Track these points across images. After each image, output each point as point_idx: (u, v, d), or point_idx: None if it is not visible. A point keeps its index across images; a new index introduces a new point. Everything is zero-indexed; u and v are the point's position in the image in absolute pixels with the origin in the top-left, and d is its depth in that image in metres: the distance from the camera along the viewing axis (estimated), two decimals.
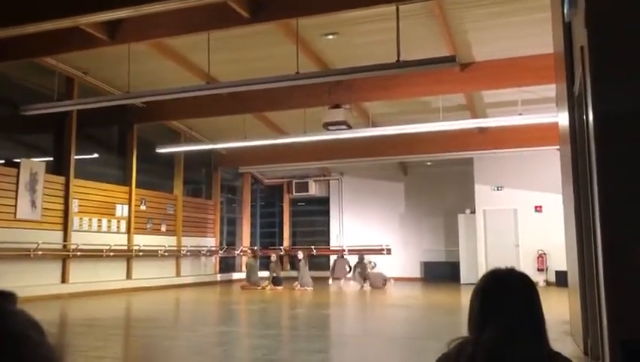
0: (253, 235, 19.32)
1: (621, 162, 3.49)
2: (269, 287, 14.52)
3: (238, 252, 18.24)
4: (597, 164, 3.62)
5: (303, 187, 18.90)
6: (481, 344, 1.42)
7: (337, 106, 11.53)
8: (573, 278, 5.62)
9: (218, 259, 17.37)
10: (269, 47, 9.95)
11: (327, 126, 11.79)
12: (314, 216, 19.74)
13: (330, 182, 19.24)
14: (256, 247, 17.20)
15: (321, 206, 19.44)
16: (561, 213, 6.41)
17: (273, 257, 15.39)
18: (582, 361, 4.81)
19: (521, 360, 1.40)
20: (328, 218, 19.11)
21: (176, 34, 8.96)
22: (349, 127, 11.81)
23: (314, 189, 18.90)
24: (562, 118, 5.91)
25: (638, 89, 3.49)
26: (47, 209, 11.51)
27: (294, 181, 19.04)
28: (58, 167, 12.12)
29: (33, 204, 11.16)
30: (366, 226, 18.24)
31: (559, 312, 6.85)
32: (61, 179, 11.96)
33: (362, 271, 14.65)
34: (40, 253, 11.04)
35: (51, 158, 12.37)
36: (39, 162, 11.70)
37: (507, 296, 1.48)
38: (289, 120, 13.93)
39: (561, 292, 6.33)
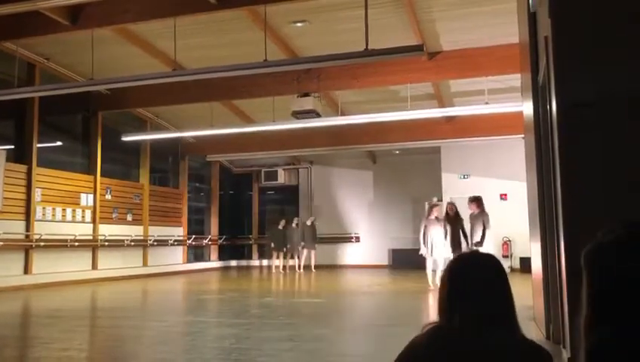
0: (221, 224, 19.17)
1: (582, 151, 3.56)
2: None
3: (206, 241, 18.09)
4: (559, 153, 3.68)
5: (272, 176, 18.81)
6: (453, 329, 1.41)
7: (306, 95, 11.48)
8: (537, 265, 5.74)
9: (186, 248, 17.21)
10: (236, 34, 9.82)
11: (296, 114, 11.74)
12: (283, 205, 19.70)
13: (300, 170, 19.21)
14: None
15: (291, 195, 19.40)
16: (526, 201, 6.52)
17: None
18: (544, 345, 4.92)
19: (493, 346, 1.38)
20: (298, 207, 19.08)
21: (141, 19, 8.77)
22: (318, 116, 11.78)
23: (283, 178, 18.83)
24: (527, 108, 5.99)
25: (601, 79, 3.56)
26: (9, 198, 11.21)
27: (263, 170, 18.94)
28: (20, 156, 11.80)
29: None
30: (335, 215, 18.30)
31: (523, 298, 6.99)
32: (23, 167, 11.65)
33: None
34: (1, 243, 10.76)
35: (12, 146, 12.03)
36: None
37: (476, 278, 1.46)
38: (257, 108, 13.82)
39: (526, 279, 6.46)
